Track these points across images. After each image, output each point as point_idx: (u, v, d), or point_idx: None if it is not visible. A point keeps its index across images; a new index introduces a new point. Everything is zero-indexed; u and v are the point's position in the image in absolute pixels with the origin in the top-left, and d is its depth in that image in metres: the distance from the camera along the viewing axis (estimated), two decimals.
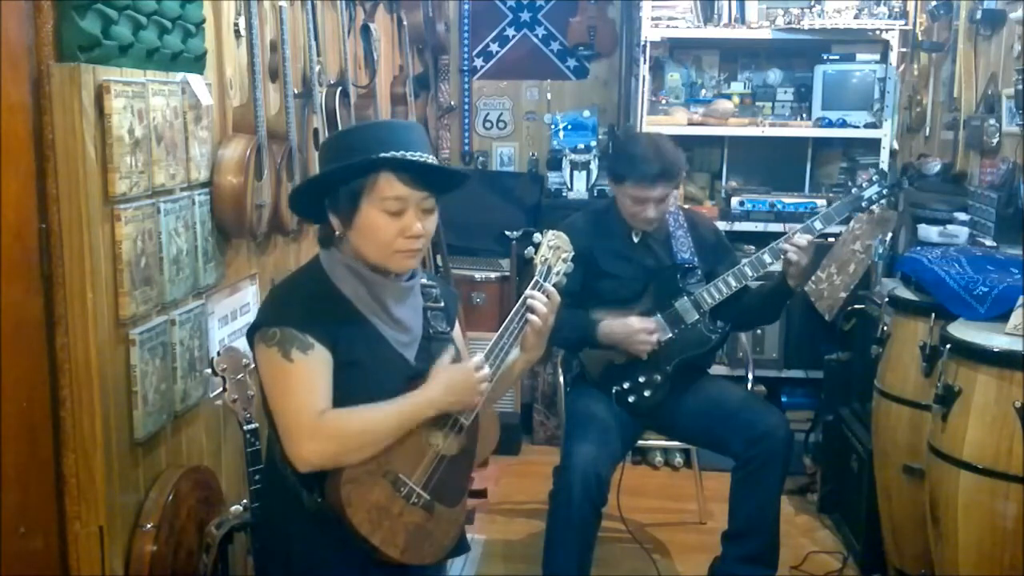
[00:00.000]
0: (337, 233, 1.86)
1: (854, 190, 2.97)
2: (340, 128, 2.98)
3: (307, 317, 1.80)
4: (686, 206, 3.75)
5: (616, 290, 2.97)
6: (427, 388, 1.86)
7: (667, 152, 2.87)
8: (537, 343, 1.99)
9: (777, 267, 2.90)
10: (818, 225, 2.87)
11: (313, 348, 1.79)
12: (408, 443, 1.85)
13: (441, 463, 1.90)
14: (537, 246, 2.02)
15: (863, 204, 2.93)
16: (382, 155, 1.78)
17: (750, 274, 2.89)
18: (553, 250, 2.02)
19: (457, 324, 2.13)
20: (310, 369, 1.78)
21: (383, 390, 1.84)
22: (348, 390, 1.81)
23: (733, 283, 2.90)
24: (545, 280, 1.99)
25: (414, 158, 1.79)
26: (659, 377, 2.93)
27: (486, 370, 1.90)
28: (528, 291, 1.98)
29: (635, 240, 3.00)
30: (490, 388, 1.92)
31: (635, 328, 2.87)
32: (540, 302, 1.95)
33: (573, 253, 2.05)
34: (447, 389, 1.86)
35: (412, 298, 1.96)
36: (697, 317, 2.93)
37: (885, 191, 2.93)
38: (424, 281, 2.01)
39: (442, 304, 2.04)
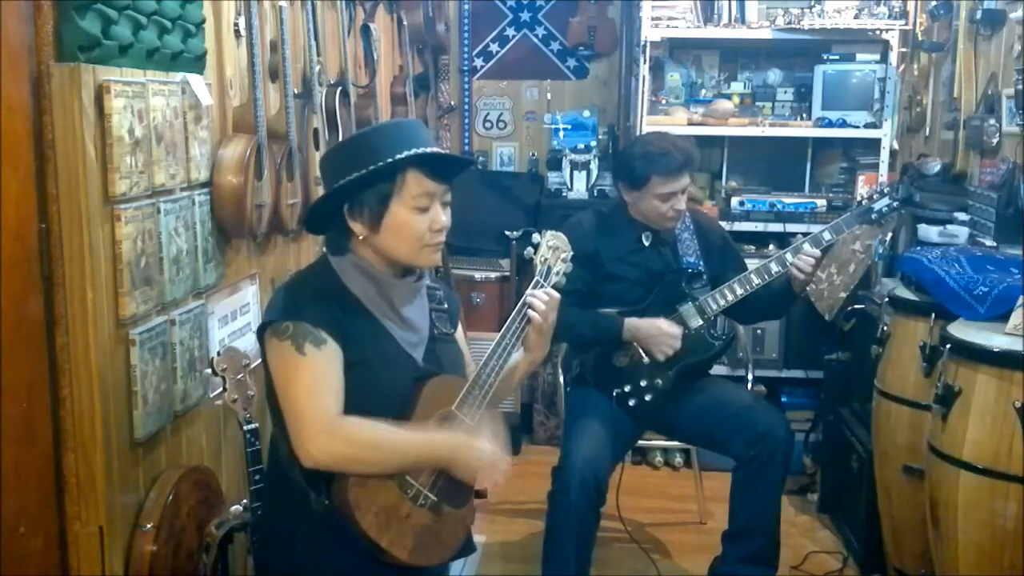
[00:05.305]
0: (361, 238, 1.86)
1: (864, 201, 2.96)
2: (340, 128, 2.98)
3: (319, 313, 1.80)
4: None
5: (621, 293, 2.96)
6: (455, 440, 1.85)
7: (679, 142, 2.92)
8: (539, 342, 2.00)
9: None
10: (827, 236, 2.87)
11: (326, 343, 1.79)
12: None
13: None
14: (536, 247, 2.03)
15: (873, 216, 2.93)
16: (414, 152, 1.79)
17: (756, 282, 2.88)
18: (552, 250, 2.03)
19: (460, 326, 2.14)
20: (323, 364, 1.78)
21: (391, 389, 1.85)
22: (357, 388, 1.81)
23: (739, 291, 2.89)
24: (545, 280, 2.01)
25: (436, 152, 1.83)
26: (661, 382, 2.92)
27: (507, 464, 1.88)
28: (528, 291, 1.99)
29: (646, 243, 2.98)
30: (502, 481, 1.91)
31: (664, 331, 2.86)
32: (540, 300, 1.96)
33: (572, 253, 2.07)
34: (468, 460, 1.84)
35: (419, 299, 1.97)
36: (701, 323, 2.92)
37: (896, 204, 2.93)
38: (428, 283, 2.02)
39: (446, 306, 2.06)
